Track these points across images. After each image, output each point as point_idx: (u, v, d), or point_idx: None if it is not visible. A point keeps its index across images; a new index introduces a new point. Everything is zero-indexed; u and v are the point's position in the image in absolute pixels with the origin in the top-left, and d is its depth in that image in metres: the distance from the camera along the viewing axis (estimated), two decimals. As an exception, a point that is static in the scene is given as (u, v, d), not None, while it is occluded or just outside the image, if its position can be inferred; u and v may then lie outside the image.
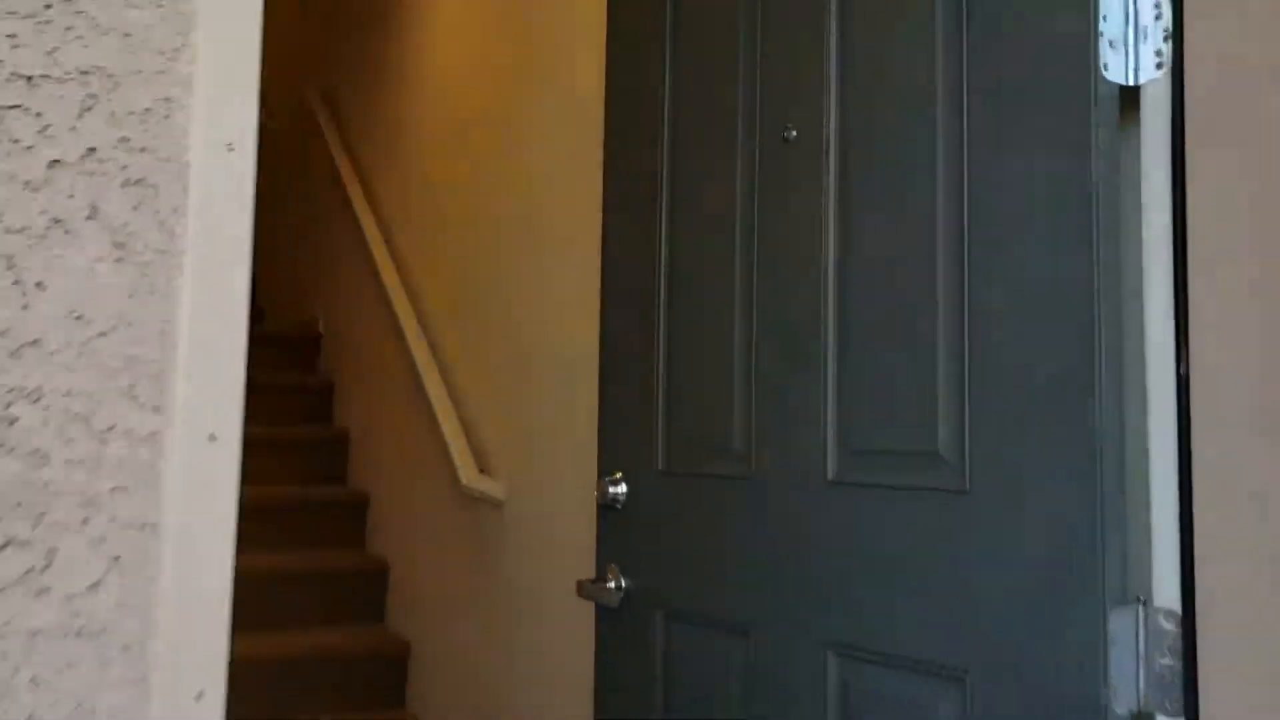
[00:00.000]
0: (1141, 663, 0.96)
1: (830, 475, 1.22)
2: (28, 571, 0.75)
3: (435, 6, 2.98)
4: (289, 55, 4.52)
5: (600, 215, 1.73)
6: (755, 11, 1.37)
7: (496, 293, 2.48)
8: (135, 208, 0.81)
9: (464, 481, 2.34)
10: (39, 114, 0.78)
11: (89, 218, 0.79)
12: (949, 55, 1.14)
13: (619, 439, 1.53)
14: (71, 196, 0.78)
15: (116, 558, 0.77)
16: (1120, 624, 0.96)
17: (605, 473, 1.54)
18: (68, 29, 0.80)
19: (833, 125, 1.26)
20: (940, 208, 1.13)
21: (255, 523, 2.99)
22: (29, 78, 0.78)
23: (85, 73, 0.80)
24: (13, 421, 0.75)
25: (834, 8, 1.27)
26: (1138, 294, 1.02)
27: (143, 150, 0.81)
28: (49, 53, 0.79)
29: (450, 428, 2.50)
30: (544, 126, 2.29)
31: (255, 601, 2.77)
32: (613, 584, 1.48)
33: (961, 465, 1.09)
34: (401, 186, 3.14)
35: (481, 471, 2.44)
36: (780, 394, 1.29)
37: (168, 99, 0.82)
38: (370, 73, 3.45)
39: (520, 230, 2.37)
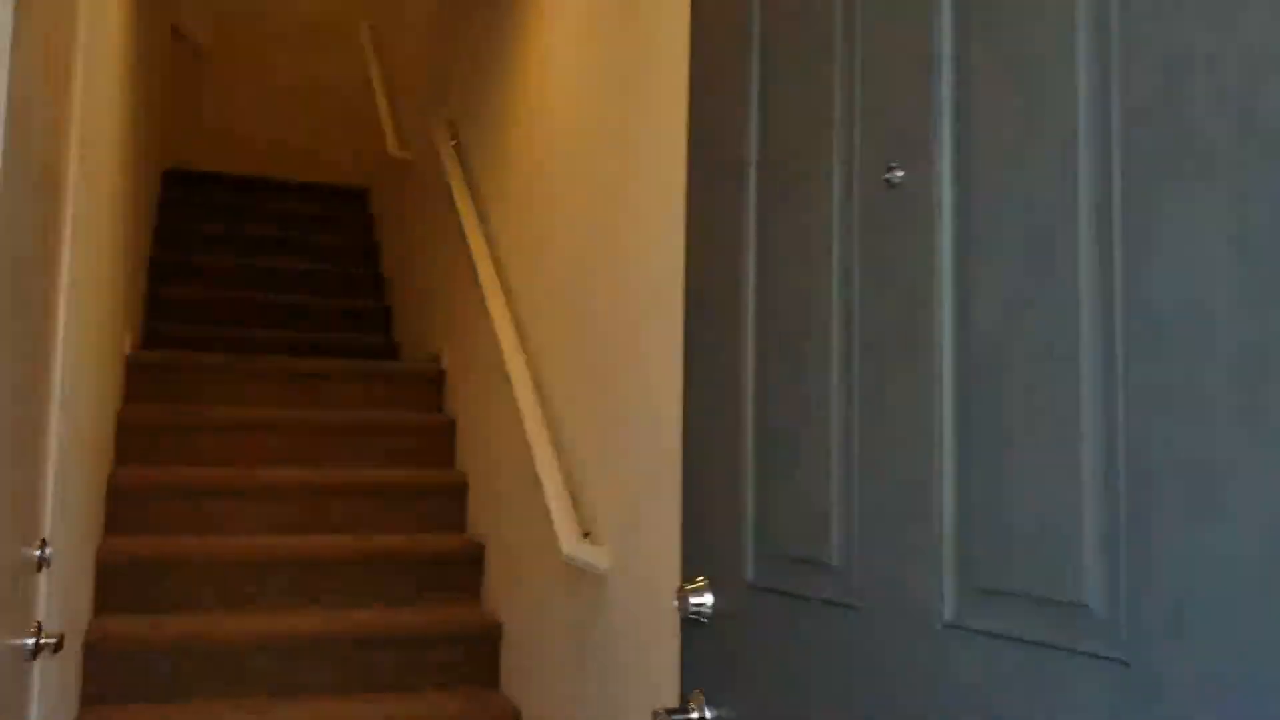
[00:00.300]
0: None
1: (947, 616, 0.96)
2: None
3: (552, 36, 2.82)
4: (419, 85, 4.47)
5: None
6: (854, 20, 1.12)
7: (601, 342, 2.29)
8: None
9: (564, 550, 2.15)
10: None
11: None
12: (1092, 76, 0.86)
13: (703, 537, 1.30)
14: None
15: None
16: None
17: (688, 577, 1.31)
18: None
19: (946, 166, 0.99)
20: (1087, 273, 0.85)
21: (373, 574, 2.89)
22: None
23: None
24: None
25: (947, 18, 1.01)
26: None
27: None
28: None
29: (553, 486, 2.31)
30: (654, 169, 2.08)
31: (363, 663, 2.66)
32: (696, 715, 1.25)
33: (1116, 624, 0.81)
34: (514, 223, 2.99)
35: (586, 534, 2.25)
36: (885, 503, 1.03)
37: None
38: (489, 104, 3.33)
39: (618, 274, 2.17)
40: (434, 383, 3.68)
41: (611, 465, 2.16)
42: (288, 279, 4.80)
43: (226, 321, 4.48)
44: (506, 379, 2.79)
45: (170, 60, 5.97)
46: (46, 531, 1.79)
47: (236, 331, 4.31)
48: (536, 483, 2.50)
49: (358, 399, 3.59)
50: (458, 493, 3.24)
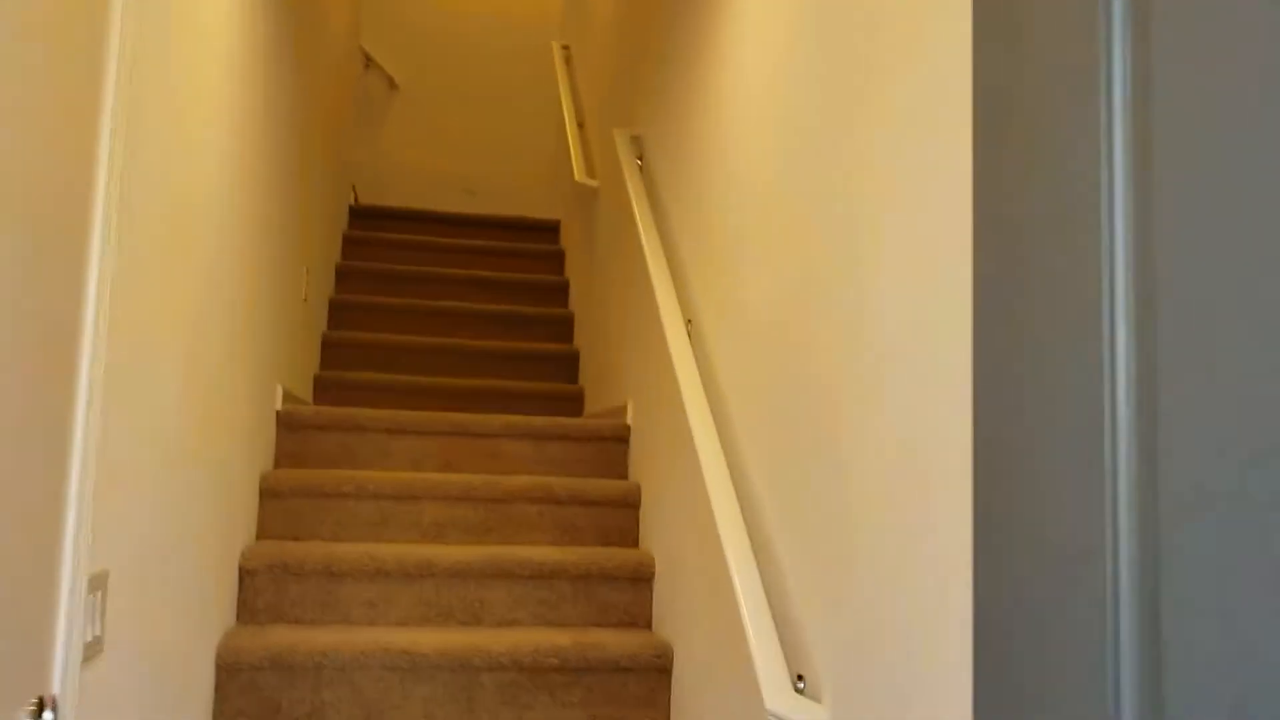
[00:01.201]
0: None
1: None
2: None
3: (745, 40, 2.25)
4: (606, 105, 4.01)
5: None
6: None
7: (818, 412, 1.67)
8: None
9: (767, 706, 1.54)
10: None
11: None
12: None
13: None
14: None
15: None
16: None
17: None
18: None
19: None
20: None
21: (545, 693, 2.37)
22: None
23: None
24: None
25: None
26: None
27: None
28: None
29: (751, 609, 1.71)
30: (902, 191, 1.46)
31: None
32: None
33: None
34: (706, 259, 2.43)
35: (799, 679, 1.63)
36: None
37: None
38: (676, 122, 2.80)
39: (848, 326, 1.55)
40: (619, 442, 3.16)
41: (837, 585, 1.54)
42: (473, 321, 4.43)
43: (405, 367, 4.15)
44: (691, 449, 2.22)
45: (359, 90, 5.80)
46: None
47: (414, 378, 3.96)
48: (729, 590, 1.91)
49: (533, 459, 3.11)
50: (640, 579, 2.69)
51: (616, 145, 3.18)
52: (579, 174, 4.12)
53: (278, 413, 2.96)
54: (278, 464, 2.98)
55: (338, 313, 4.34)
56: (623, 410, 3.19)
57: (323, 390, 3.87)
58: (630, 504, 2.93)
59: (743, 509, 2.02)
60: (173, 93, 1.71)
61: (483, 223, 5.27)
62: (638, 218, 2.80)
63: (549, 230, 5.32)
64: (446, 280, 4.66)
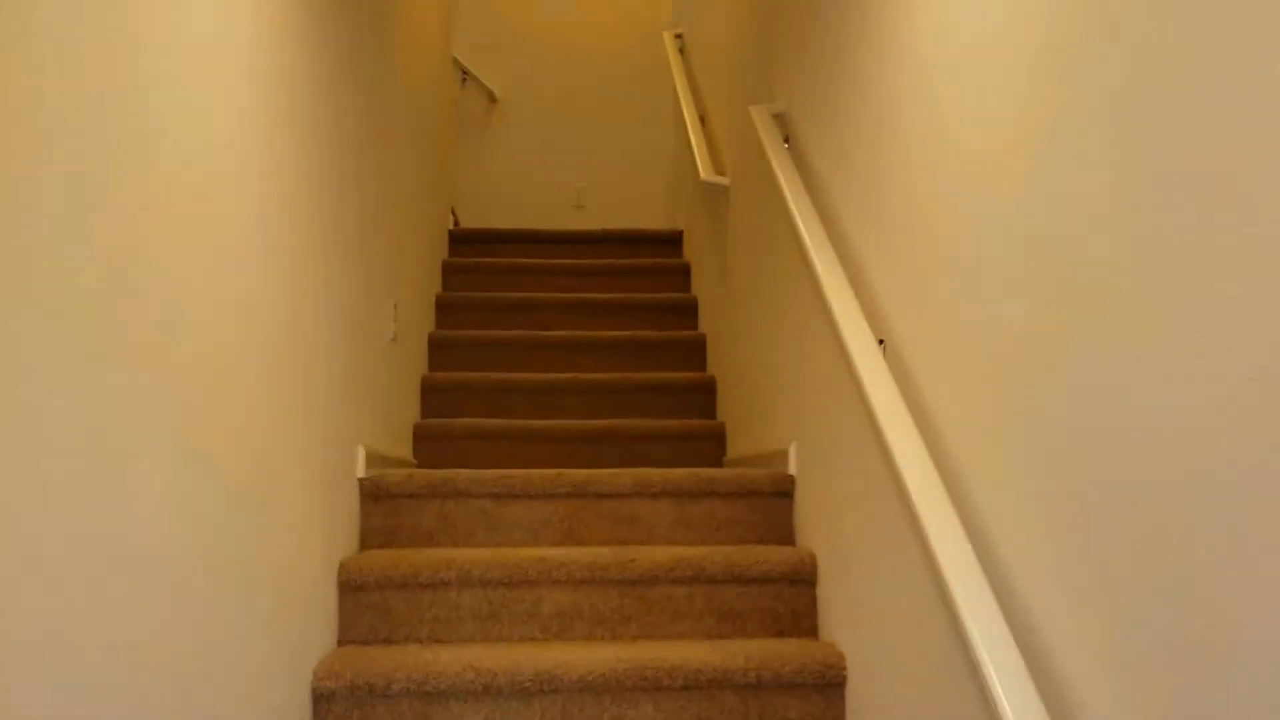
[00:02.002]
0: None
1: None
2: None
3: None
4: (734, 87, 3.39)
5: None
6: None
7: (1126, 478, 1.00)
8: None
9: None
10: None
11: None
12: None
13: None
14: None
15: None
16: None
17: None
18: None
19: None
20: None
21: None
22: None
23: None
24: None
25: None
26: None
27: None
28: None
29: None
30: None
31: None
32: None
33: None
34: (902, 253, 1.77)
35: None
36: None
37: None
38: (839, 85, 2.16)
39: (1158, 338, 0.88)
40: (780, 498, 2.51)
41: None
42: (591, 350, 3.86)
43: (515, 409, 3.59)
44: (899, 506, 1.57)
45: (456, 106, 5.33)
46: None
47: (527, 421, 3.39)
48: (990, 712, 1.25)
49: (675, 522, 2.49)
50: (829, 684, 2.03)
51: (756, 125, 2.55)
52: (704, 171, 3.51)
53: (360, 481, 2.42)
54: (363, 544, 2.44)
55: (439, 351, 3.81)
56: (782, 457, 2.54)
57: (424, 441, 3.34)
58: (803, 579, 2.28)
59: (996, 593, 1.36)
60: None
61: (594, 239, 4.70)
62: (794, 211, 2.16)
63: (670, 242, 4.72)
64: (557, 306, 4.10)
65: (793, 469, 2.48)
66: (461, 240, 4.59)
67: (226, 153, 1.50)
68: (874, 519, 1.86)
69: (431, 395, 3.58)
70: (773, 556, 2.28)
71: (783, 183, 2.28)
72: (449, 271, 4.31)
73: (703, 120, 3.95)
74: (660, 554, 2.27)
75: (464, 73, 5.56)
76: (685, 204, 4.64)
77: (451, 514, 2.44)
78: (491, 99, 5.71)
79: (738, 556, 2.27)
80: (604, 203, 5.65)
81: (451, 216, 4.79)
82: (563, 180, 5.69)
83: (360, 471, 2.41)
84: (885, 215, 1.85)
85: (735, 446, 3.27)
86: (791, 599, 2.28)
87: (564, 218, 5.61)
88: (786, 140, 2.52)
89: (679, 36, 4.73)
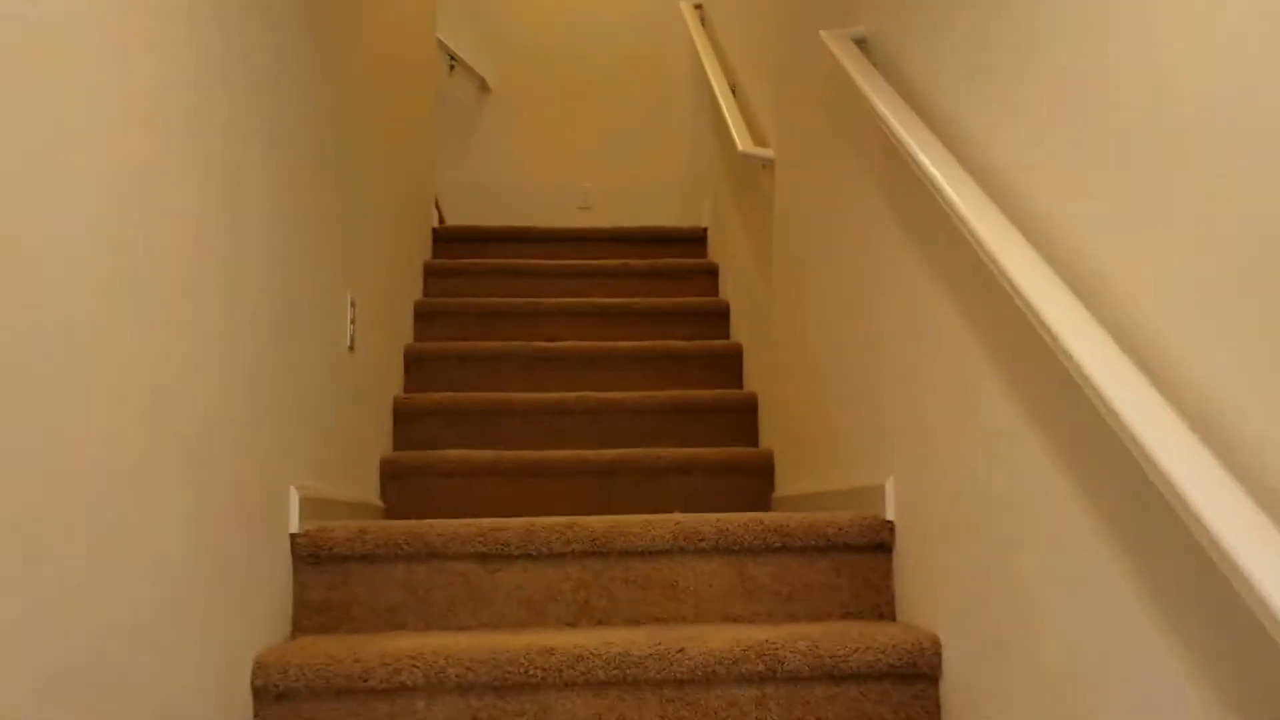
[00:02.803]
0: None
1: None
2: None
3: None
4: (772, 46, 2.74)
5: None
6: None
7: None
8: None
9: None
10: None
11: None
12: None
13: None
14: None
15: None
16: None
17: None
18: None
19: None
20: None
21: None
22: None
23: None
24: None
25: None
26: None
27: None
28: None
29: None
30: None
31: None
32: None
33: None
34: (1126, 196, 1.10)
35: None
36: None
37: None
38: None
39: None
40: (874, 553, 1.82)
41: None
42: (603, 364, 3.19)
43: (511, 438, 2.91)
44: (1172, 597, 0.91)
45: (442, 95, 4.69)
46: None
47: (525, 453, 2.72)
48: None
49: (730, 588, 1.80)
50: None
51: (834, 52, 1.88)
52: (743, 143, 2.85)
53: (293, 538, 1.73)
54: (297, 627, 1.74)
55: (417, 368, 3.14)
56: (872, 496, 1.86)
57: (395, 480, 2.66)
58: (921, 672, 1.59)
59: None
60: None
61: (603, 237, 4.03)
62: (915, 151, 1.48)
63: (692, 242, 4.05)
64: (562, 314, 3.43)
65: (890, 512, 1.79)
66: (448, 239, 3.93)
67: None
68: (1081, 584, 1.19)
69: (407, 422, 2.90)
70: (877, 639, 1.59)
71: (888, 116, 1.61)
72: (432, 275, 3.65)
73: (734, 91, 3.30)
74: (716, 638, 1.58)
75: (451, 58, 4.93)
76: (709, 198, 3.98)
77: (422, 583, 1.75)
78: (483, 88, 5.06)
79: (828, 641, 1.58)
80: (613, 204, 4.99)
81: (436, 213, 4.13)
82: (566, 179, 5.03)
83: (293, 524, 1.72)
84: (1095, 139, 1.18)
85: (789, 481, 2.59)
86: (904, 703, 1.59)
87: (568, 221, 4.96)
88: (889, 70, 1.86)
89: (699, 7, 4.10)
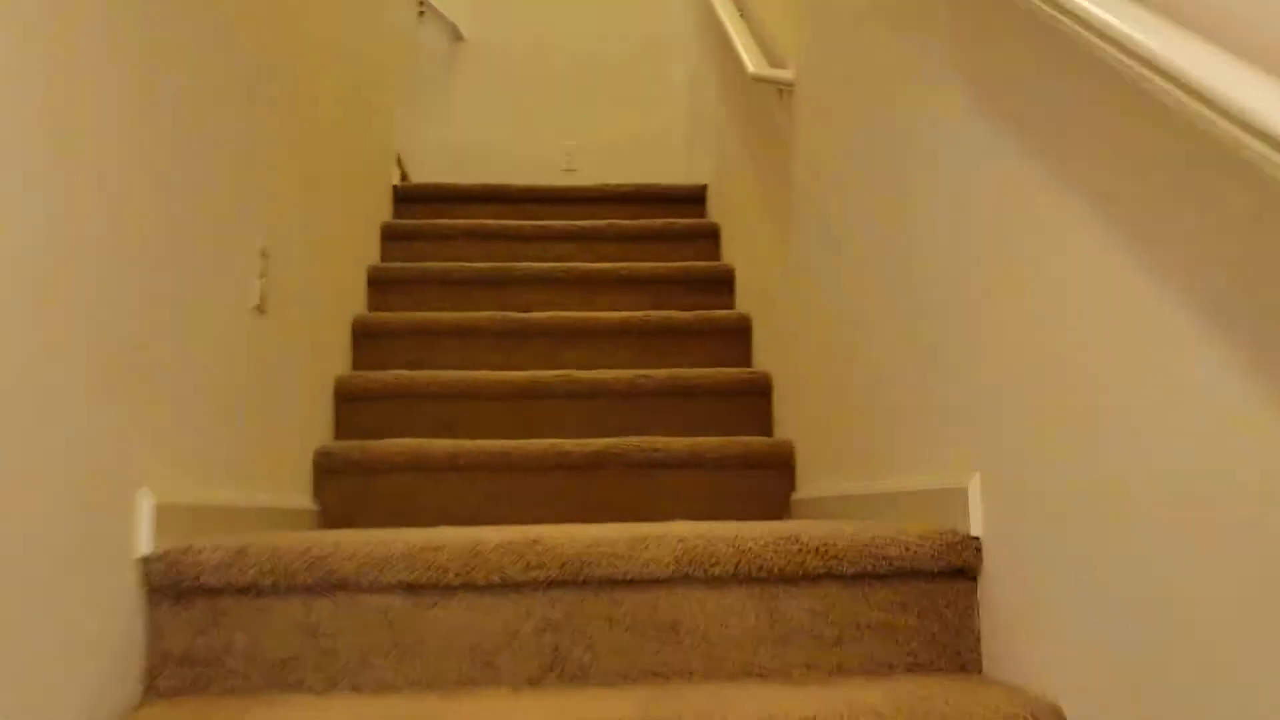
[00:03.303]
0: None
1: None
2: None
3: None
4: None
5: None
6: None
7: None
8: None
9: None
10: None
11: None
12: None
13: None
14: None
15: None
16: None
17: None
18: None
19: None
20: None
21: None
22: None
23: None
24: None
25: None
26: None
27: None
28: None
29: None
30: None
31: None
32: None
33: None
34: None
35: None
36: None
37: None
38: None
39: None
40: (954, 579, 1.33)
41: None
42: (583, 338, 2.70)
43: (477, 424, 2.43)
44: None
45: (409, 43, 4.18)
46: None
47: (491, 443, 2.24)
48: None
49: (748, 633, 1.31)
50: None
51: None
52: (754, 64, 2.35)
53: (144, 563, 1.23)
54: (150, 687, 1.24)
55: (368, 342, 2.65)
56: (949, 502, 1.37)
57: (334, 477, 2.17)
58: (1033, 757, 1.10)
59: None
60: None
61: (589, 197, 3.54)
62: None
63: (691, 201, 3.55)
64: (541, 281, 2.94)
65: (976, 526, 1.31)
66: (411, 199, 3.42)
67: None
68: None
69: (353, 405, 2.41)
70: (972, 711, 1.11)
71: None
72: (391, 238, 3.15)
73: (743, 14, 2.80)
74: (737, 708, 1.10)
75: (421, 2, 4.42)
76: (710, 153, 3.49)
77: (326, 624, 1.26)
78: (456, 36, 4.55)
79: (899, 714, 1.10)
80: (601, 165, 4.49)
81: (398, 170, 3.62)
82: (548, 138, 4.53)
83: (144, 543, 1.23)
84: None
85: (813, 478, 2.10)
86: (1010, 800, 1.10)
87: (549, 172, 4.46)
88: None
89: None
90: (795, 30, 2.24)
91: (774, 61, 2.43)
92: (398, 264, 2.94)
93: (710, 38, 3.39)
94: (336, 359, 2.47)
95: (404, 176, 3.79)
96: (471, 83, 4.52)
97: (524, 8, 4.56)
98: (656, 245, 3.22)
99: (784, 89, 2.31)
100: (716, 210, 3.35)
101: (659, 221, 3.25)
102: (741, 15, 2.82)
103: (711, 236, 3.24)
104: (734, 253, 3.02)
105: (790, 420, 2.32)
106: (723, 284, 2.98)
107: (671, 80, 4.41)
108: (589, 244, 3.19)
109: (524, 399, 2.46)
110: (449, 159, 4.38)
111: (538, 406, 2.45)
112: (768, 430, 2.48)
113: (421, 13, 4.45)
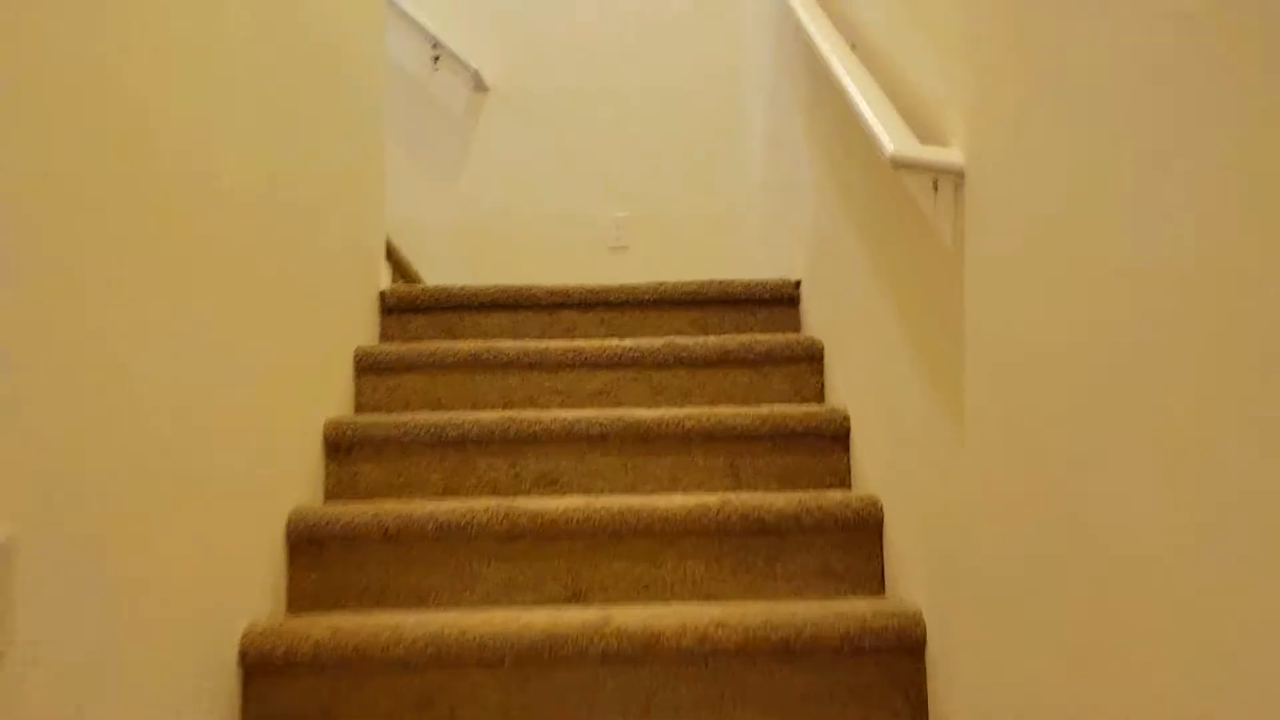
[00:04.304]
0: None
1: None
2: None
3: None
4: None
5: None
6: None
7: None
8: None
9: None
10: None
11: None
12: None
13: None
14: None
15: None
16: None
17: None
18: None
19: None
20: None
21: None
22: None
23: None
24: None
25: None
26: None
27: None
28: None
29: None
30: None
31: None
32: None
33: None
34: None
35: None
36: None
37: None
38: None
39: None
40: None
41: None
42: (622, 549, 1.82)
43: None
44: None
45: (423, 93, 3.39)
46: None
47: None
48: None
49: None
50: None
51: None
52: (895, 142, 1.45)
53: None
54: None
55: (313, 556, 1.79)
56: None
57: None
58: None
59: None
60: None
61: (642, 300, 2.65)
62: None
63: (777, 303, 2.65)
64: (572, 440, 2.06)
65: None
66: (404, 309, 2.58)
67: None
68: None
69: (276, 685, 1.55)
70: None
71: None
72: (369, 369, 2.30)
73: (854, 47, 1.91)
74: None
75: (435, 45, 3.61)
76: (803, 239, 2.59)
77: None
78: (478, 85, 3.73)
79: None
80: (655, 241, 3.62)
81: (388, 266, 2.78)
82: (593, 207, 3.67)
83: None
84: None
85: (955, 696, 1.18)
86: None
87: (596, 264, 3.60)
88: None
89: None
90: (969, 85, 1.34)
91: (921, 129, 1.54)
92: (369, 418, 2.09)
93: (803, 84, 2.50)
94: (248, 596, 1.62)
95: (398, 267, 2.96)
96: (496, 140, 3.69)
97: (562, 50, 3.72)
98: (733, 372, 2.32)
99: (942, 176, 1.42)
100: (816, 319, 2.44)
101: (737, 339, 2.35)
102: (854, 48, 1.93)
103: (811, 359, 2.34)
104: (849, 391, 2.11)
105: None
106: (833, 441, 2.07)
107: (744, 137, 3.54)
108: (640, 371, 2.31)
109: (534, 665, 1.57)
110: (472, 238, 3.55)
111: (557, 681, 1.56)
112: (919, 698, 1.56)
113: (436, 58, 3.64)
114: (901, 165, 1.42)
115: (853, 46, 1.94)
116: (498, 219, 3.61)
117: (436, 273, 3.50)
